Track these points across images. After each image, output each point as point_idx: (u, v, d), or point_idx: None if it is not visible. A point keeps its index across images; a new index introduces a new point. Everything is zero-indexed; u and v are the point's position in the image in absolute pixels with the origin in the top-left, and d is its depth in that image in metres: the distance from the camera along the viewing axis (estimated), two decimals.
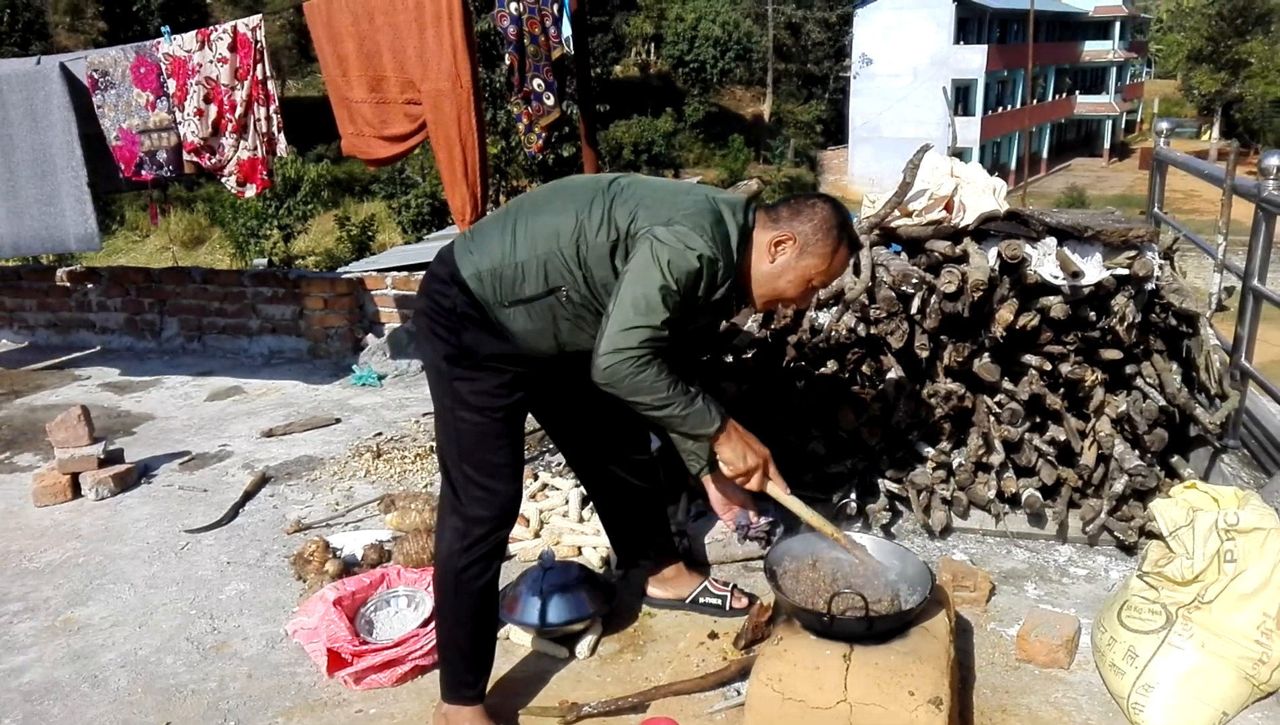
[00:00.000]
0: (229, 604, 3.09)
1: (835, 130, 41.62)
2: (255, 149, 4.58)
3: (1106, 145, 47.16)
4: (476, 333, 2.24)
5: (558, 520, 3.39)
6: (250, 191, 4.77)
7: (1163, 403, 3.11)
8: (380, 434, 4.57)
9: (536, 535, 3.32)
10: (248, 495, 3.89)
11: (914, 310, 3.12)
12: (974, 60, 37.30)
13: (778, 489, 2.35)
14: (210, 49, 4.48)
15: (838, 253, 2.25)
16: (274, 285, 6.05)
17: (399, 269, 6.42)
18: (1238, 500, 2.40)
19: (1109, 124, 47.63)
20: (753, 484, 2.32)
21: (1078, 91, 46.18)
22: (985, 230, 3.20)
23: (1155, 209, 4.08)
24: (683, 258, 2.08)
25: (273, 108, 4.52)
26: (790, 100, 42.47)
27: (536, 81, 4.06)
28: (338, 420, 4.80)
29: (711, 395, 2.25)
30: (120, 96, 4.69)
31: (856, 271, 3.19)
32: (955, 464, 3.23)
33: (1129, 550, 3.11)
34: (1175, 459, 3.24)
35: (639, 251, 2.11)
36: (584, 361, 2.51)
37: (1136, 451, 3.11)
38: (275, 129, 4.54)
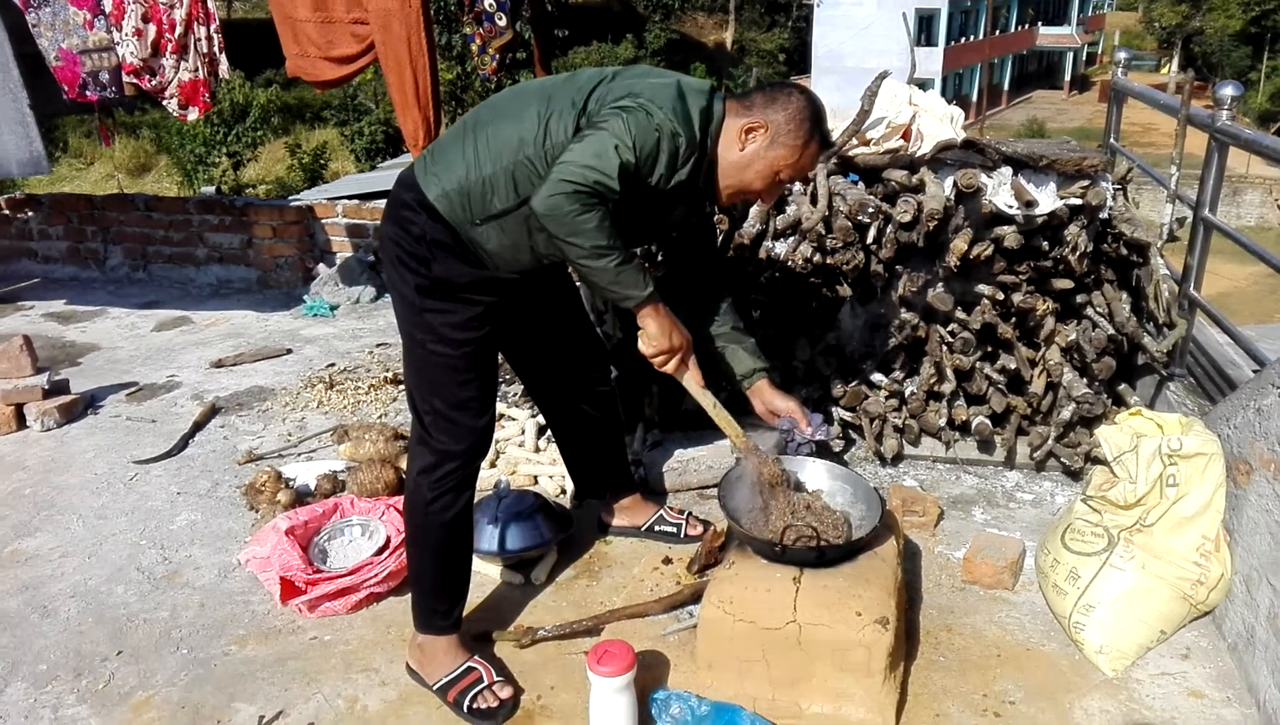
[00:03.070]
0: (180, 534, 3.06)
1: (799, 60, 41.12)
2: (196, 70, 4.43)
3: (1067, 78, 47.17)
4: (449, 261, 2.16)
5: (514, 450, 3.38)
6: (193, 115, 4.64)
7: (1111, 332, 3.15)
8: (333, 365, 4.51)
9: (493, 465, 3.31)
10: (197, 426, 3.83)
11: (870, 240, 3.11)
12: None
13: (693, 380, 2.31)
14: None
15: (809, 146, 2.19)
16: (221, 213, 5.90)
17: (350, 197, 6.29)
18: (1181, 427, 2.44)
19: (1070, 56, 47.59)
20: (669, 367, 2.26)
21: (1040, 22, 45.95)
22: (942, 159, 3.18)
23: (1111, 140, 4.08)
24: (642, 126, 2.01)
25: (213, 27, 4.36)
26: (753, 28, 41.91)
27: (488, 1, 3.94)
28: (289, 351, 4.73)
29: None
30: (56, 15, 4.49)
31: (814, 201, 3.17)
32: (908, 392, 3.26)
33: (1075, 476, 3.18)
34: (1122, 387, 3.30)
35: (599, 119, 2.04)
36: (557, 275, 2.47)
37: (1085, 379, 3.16)
38: (217, 49, 4.39)
